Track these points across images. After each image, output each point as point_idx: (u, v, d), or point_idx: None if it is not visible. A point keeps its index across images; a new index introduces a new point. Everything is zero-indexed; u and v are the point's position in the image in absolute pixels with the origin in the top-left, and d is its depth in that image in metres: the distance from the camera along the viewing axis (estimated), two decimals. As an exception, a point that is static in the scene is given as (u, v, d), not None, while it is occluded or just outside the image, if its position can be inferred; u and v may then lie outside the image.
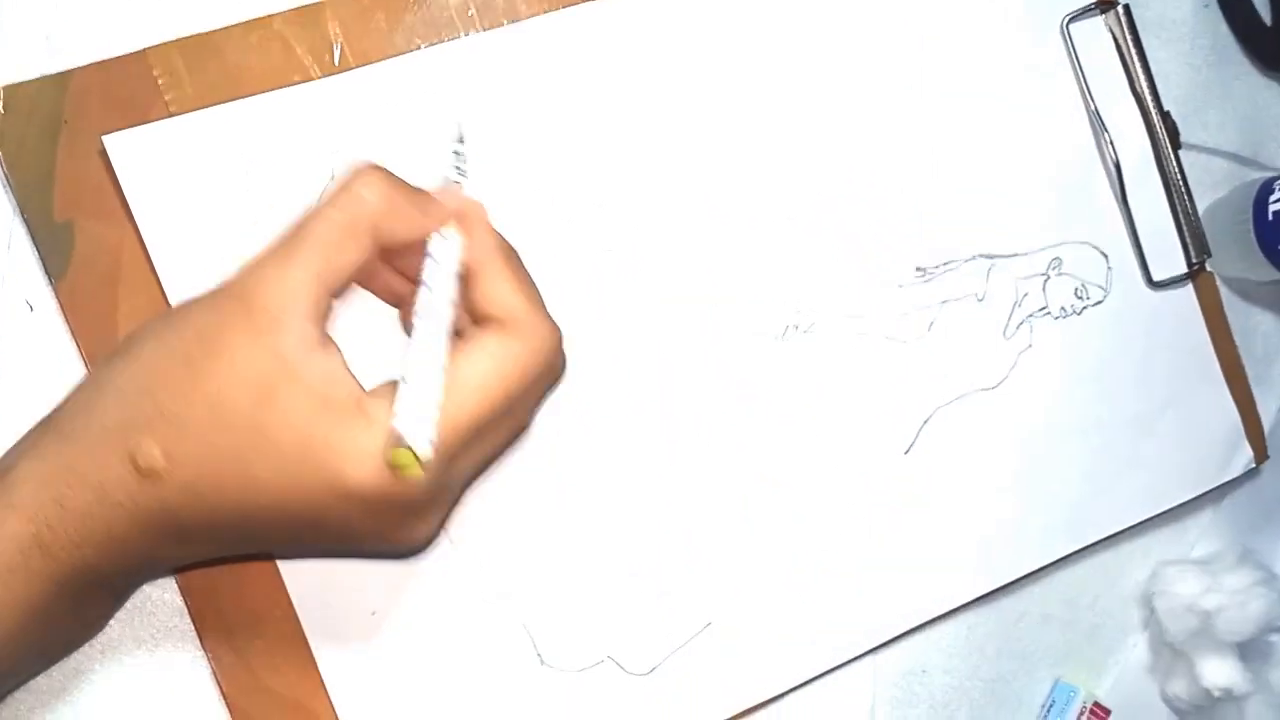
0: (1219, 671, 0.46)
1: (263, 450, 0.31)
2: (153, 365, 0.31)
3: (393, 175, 0.34)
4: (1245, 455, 0.50)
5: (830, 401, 0.45)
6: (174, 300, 0.38)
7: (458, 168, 0.37)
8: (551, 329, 0.35)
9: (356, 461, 0.31)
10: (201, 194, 0.38)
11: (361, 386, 0.32)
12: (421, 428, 0.31)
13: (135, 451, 0.30)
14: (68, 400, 0.33)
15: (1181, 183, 0.49)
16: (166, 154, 0.38)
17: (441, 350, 0.33)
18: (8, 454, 0.33)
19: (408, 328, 0.35)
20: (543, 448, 0.41)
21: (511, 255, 0.36)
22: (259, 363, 0.31)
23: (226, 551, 0.36)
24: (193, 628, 0.38)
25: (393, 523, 0.34)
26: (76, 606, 0.34)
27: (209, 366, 0.31)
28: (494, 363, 0.33)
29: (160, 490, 0.31)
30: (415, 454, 0.31)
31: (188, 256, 0.38)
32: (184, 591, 0.38)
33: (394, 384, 0.32)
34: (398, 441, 0.31)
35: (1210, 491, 0.50)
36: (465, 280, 0.34)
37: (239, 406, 0.31)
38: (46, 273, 0.37)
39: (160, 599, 0.38)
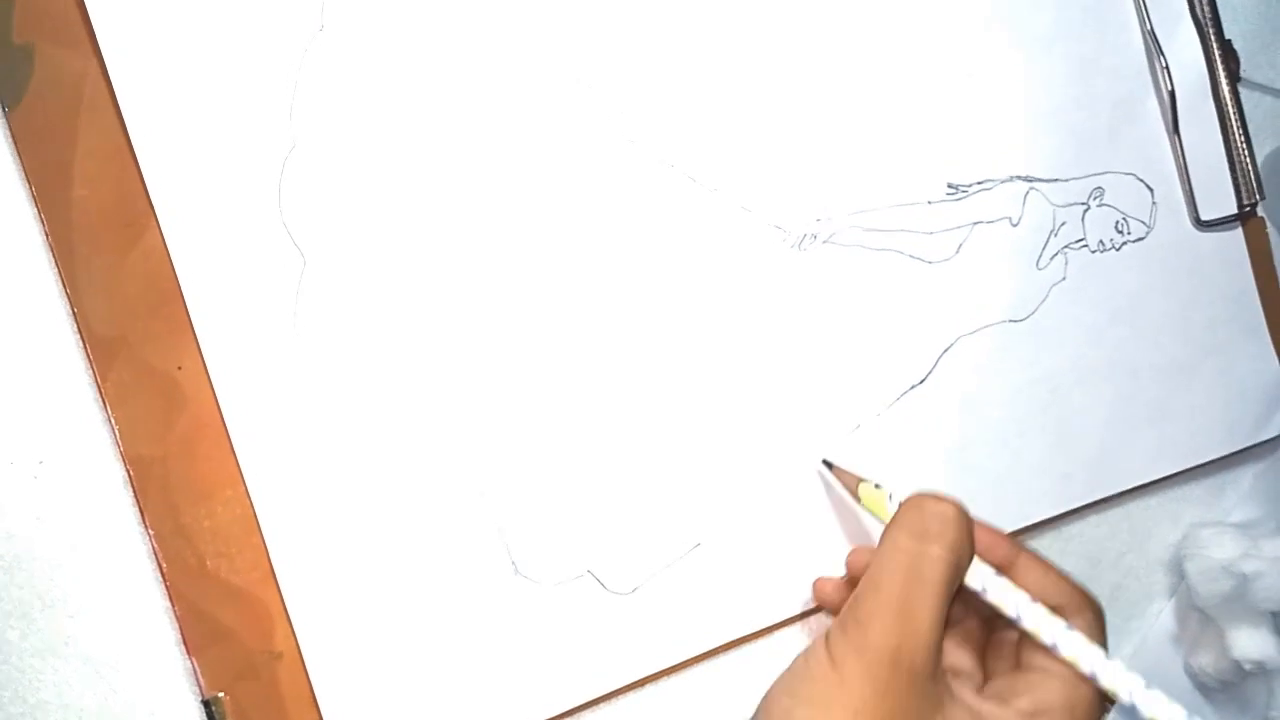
0: (1251, 643, 0.42)
1: None
2: None
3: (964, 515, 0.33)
4: (1286, 416, 0.45)
5: (844, 319, 0.40)
6: (136, 142, 0.34)
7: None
8: (1092, 596, 0.35)
9: None
10: (175, 27, 0.34)
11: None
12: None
13: None
14: None
15: (1237, 118, 0.44)
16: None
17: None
18: None
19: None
20: (535, 346, 0.37)
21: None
22: None
23: None
24: (134, 502, 0.34)
25: None
26: None
27: None
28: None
29: None
30: None
31: (156, 96, 0.34)
32: (128, 461, 0.34)
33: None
34: None
35: (1249, 455, 0.45)
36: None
37: None
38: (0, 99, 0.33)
39: (102, 470, 0.34)
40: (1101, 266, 0.43)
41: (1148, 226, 0.44)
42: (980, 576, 0.33)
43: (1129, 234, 0.43)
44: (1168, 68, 0.43)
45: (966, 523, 0.33)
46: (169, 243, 0.34)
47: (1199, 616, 0.43)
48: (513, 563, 0.37)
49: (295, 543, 0.35)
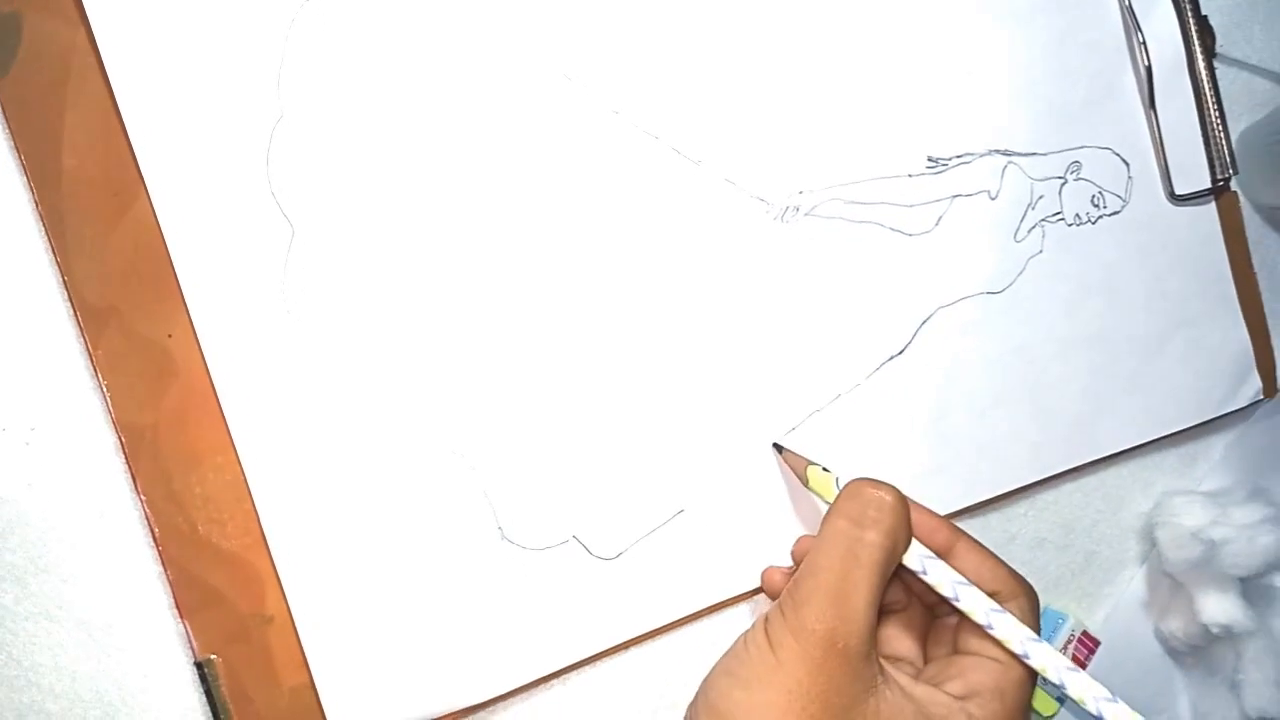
0: (1219, 607, 0.43)
1: None
2: None
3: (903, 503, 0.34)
4: (1254, 386, 0.46)
5: (825, 291, 0.41)
6: (125, 111, 0.34)
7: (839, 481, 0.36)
8: (1027, 583, 0.35)
9: None
10: (163, -3, 0.34)
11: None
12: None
13: None
14: None
15: (1212, 94, 0.45)
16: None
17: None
18: None
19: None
20: (522, 317, 0.37)
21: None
22: (874, 704, 0.32)
23: None
24: (126, 468, 0.35)
25: None
26: None
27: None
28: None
29: None
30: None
31: (143, 65, 0.34)
32: (120, 428, 0.34)
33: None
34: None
35: (1220, 426, 0.46)
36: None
37: None
38: (-11, 68, 0.33)
39: (94, 437, 0.34)
40: (1078, 240, 0.44)
41: (1123, 200, 0.44)
42: (920, 558, 0.34)
43: (1105, 208, 0.44)
44: (1145, 43, 0.44)
45: (903, 509, 0.33)
46: (158, 212, 0.34)
47: (1169, 582, 0.44)
48: (499, 528, 0.37)
49: (285, 508, 0.35)
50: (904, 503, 0.34)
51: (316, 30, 0.35)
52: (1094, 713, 0.32)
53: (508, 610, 0.37)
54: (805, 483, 0.37)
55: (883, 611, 0.35)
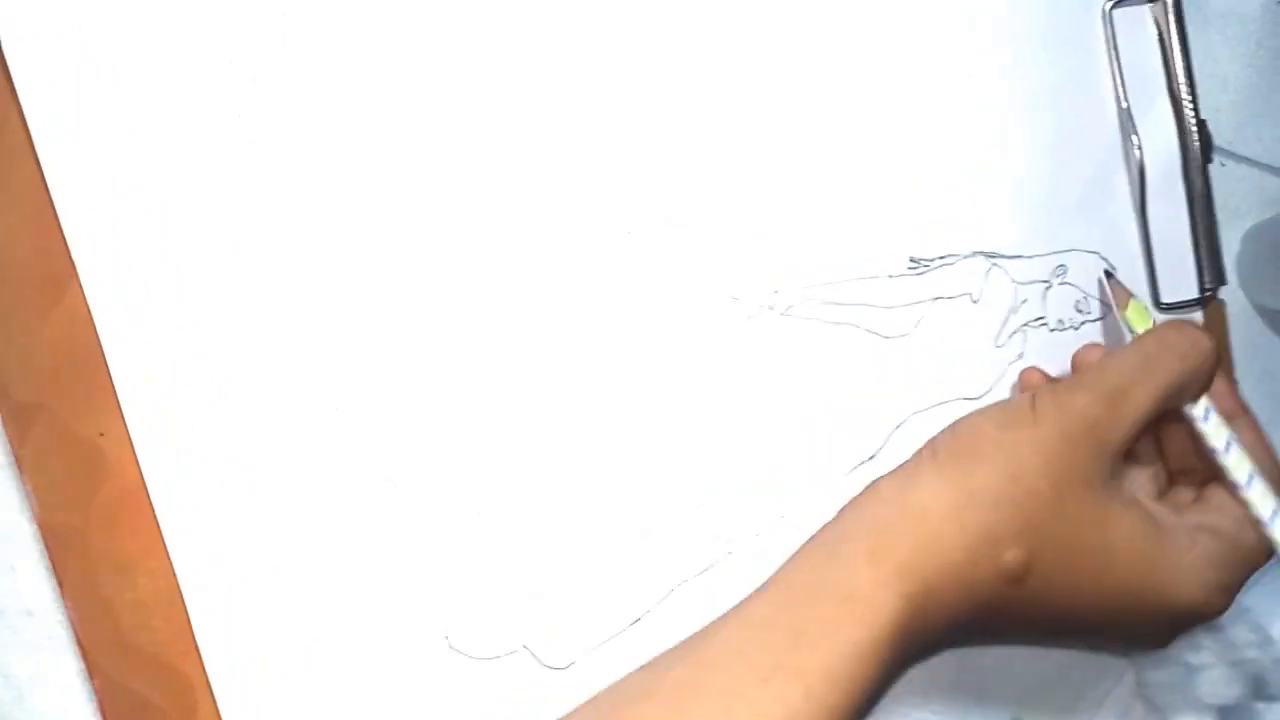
0: (1193, 734, 0.40)
1: (1111, 570, 0.32)
2: (1025, 483, 0.31)
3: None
4: (1240, 500, 0.43)
5: (797, 393, 0.38)
6: (56, 195, 0.31)
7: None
8: None
9: (1185, 586, 0.33)
10: (98, 74, 0.31)
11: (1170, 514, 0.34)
12: None
13: (1002, 558, 0.31)
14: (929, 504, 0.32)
15: (1206, 200, 0.42)
16: (59, 21, 0.31)
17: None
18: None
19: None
20: (470, 416, 0.34)
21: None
22: (1107, 494, 0.32)
23: (1033, 642, 0.38)
24: (51, 571, 0.32)
25: (1185, 630, 0.36)
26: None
27: (1069, 490, 0.32)
28: None
29: (1019, 593, 0.32)
30: None
31: (77, 147, 0.31)
32: (45, 530, 0.31)
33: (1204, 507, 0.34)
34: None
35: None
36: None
37: (1091, 527, 0.32)
38: (-85, 149, 0.30)
39: (19, 538, 0.32)
40: (1060, 345, 0.41)
41: (1107, 306, 0.41)
42: (1203, 407, 0.34)
43: (1089, 313, 0.41)
44: (1140, 146, 0.41)
45: (1213, 358, 0.34)
46: (91, 303, 0.32)
47: (1146, 705, 0.42)
48: (446, 636, 0.34)
49: (219, 616, 0.33)
50: (1215, 354, 0.34)
51: (259, 122, 0.32)
52: None
53: (451, 724, 0.34)
54: (1123, 310, 0.38)
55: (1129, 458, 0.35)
